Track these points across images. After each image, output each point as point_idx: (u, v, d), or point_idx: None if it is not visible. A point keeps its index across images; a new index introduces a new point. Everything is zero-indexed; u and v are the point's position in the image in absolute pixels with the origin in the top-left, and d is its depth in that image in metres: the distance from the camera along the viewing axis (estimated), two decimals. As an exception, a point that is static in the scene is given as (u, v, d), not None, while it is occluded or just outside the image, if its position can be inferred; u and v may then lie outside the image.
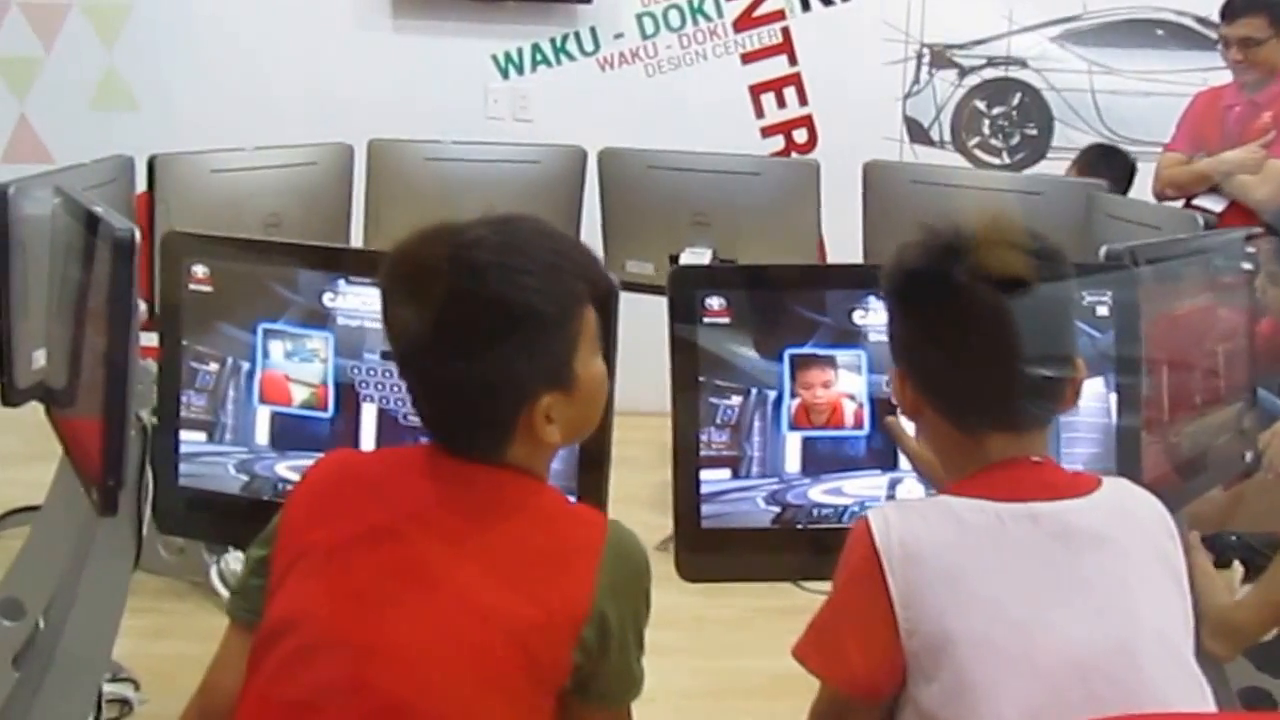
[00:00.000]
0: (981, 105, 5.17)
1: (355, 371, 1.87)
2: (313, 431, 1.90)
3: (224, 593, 3.16)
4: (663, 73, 5.05)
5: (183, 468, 1.93)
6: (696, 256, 3.68)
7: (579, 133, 3.97)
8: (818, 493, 1.88)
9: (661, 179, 3.75)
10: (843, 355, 1.87)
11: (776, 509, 1.88)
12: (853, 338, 1.87)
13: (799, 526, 1.88)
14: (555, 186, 3.80)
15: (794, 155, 5.06)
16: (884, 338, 1.83)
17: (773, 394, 1.87)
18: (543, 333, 1.39)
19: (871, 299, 1.86)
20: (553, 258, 1.42)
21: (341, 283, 1.87)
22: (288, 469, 1.90)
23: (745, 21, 5.05)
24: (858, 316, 1.87)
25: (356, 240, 3.63)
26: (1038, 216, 3.02)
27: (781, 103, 5.12)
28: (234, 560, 3.22)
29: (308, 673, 1.37)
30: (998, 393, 1.48)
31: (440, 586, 1.37)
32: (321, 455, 1.57)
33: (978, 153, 5.19)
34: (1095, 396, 1.88)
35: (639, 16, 5.01)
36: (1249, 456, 2.38)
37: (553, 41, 5.00)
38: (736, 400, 1.87)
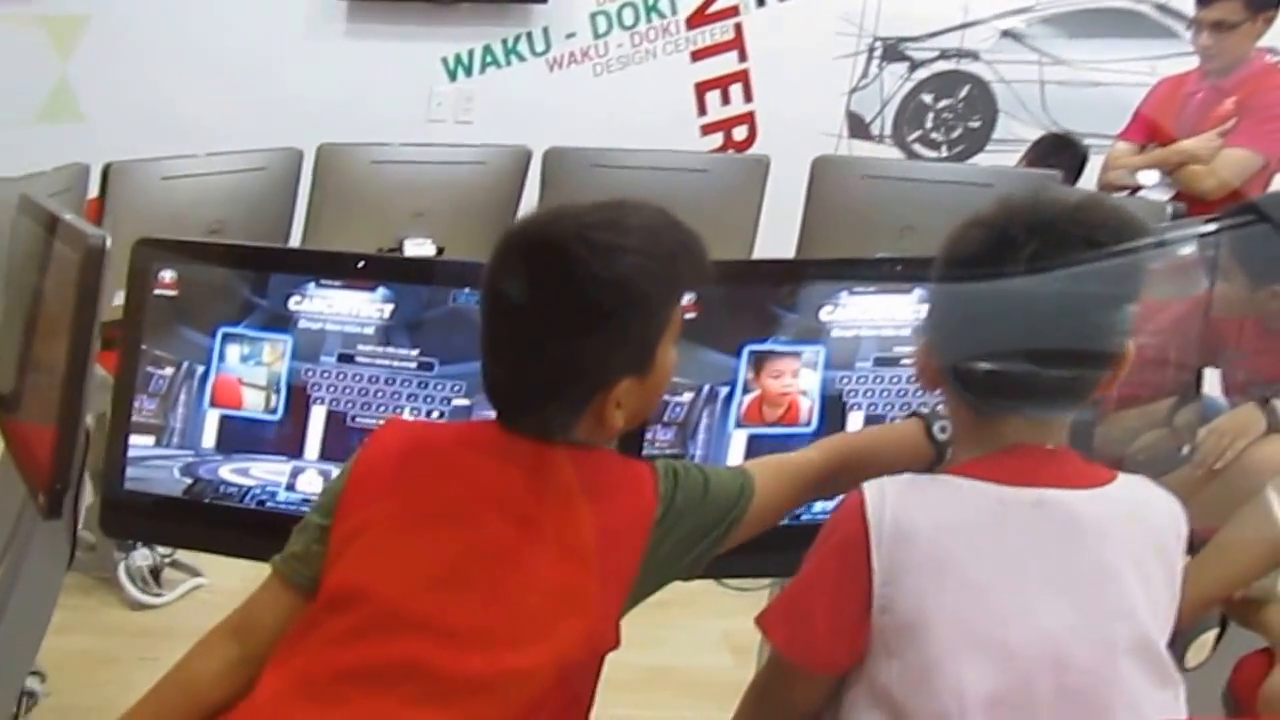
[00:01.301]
0: (928, 99, 5.20)
1: (309, 374, 1.87)
2: (259, 434, 1.91)
3: (130, 588, 3.17)
4: (611, 72, 5.06)
5: (129, 471, 1.94)
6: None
7: (522, 133, 3.94)
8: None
9: (605, 177, 3.75)
10: (804, 352, 1.88)
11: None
12: (814, 334, 1.88)
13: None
14: (499, 186, 3.81)
15: (731, 152, 5.07)
16: (845, 334, 1.88)
17: (724, 390, 1.89)
18: (641, 319, 1.39)
19: (843, 294, 1.87)
20: (666, 247, 1.41)
21: (311, 286, 1.88)
22: (231, 472, 1.91)
23: (698, 18, 5.07)
24: (824, 313, 1.87)
25: (295, 244, 3.61)
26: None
27: (726, 99, 5.13)
28: (140, 557, 3.23)
29: (374, 646, 1.37)
30: (1029, 381, 1.44)
31: (514, 570, 1.38)
32: (383, 424, 1.60)
33: (916, 146, 5.22)
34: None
35: (593, 15, 5.02)
36: (1185, 451, 2.39)
37: (504, 42, 5.00)
38: (686, 397, 1.88)
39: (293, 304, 1.87)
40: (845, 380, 1.88)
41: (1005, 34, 5.12)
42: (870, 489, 1.44)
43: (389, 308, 1.85)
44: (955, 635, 1.37)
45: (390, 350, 1.85)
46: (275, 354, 1.87)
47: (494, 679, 1.35)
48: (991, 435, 1.47)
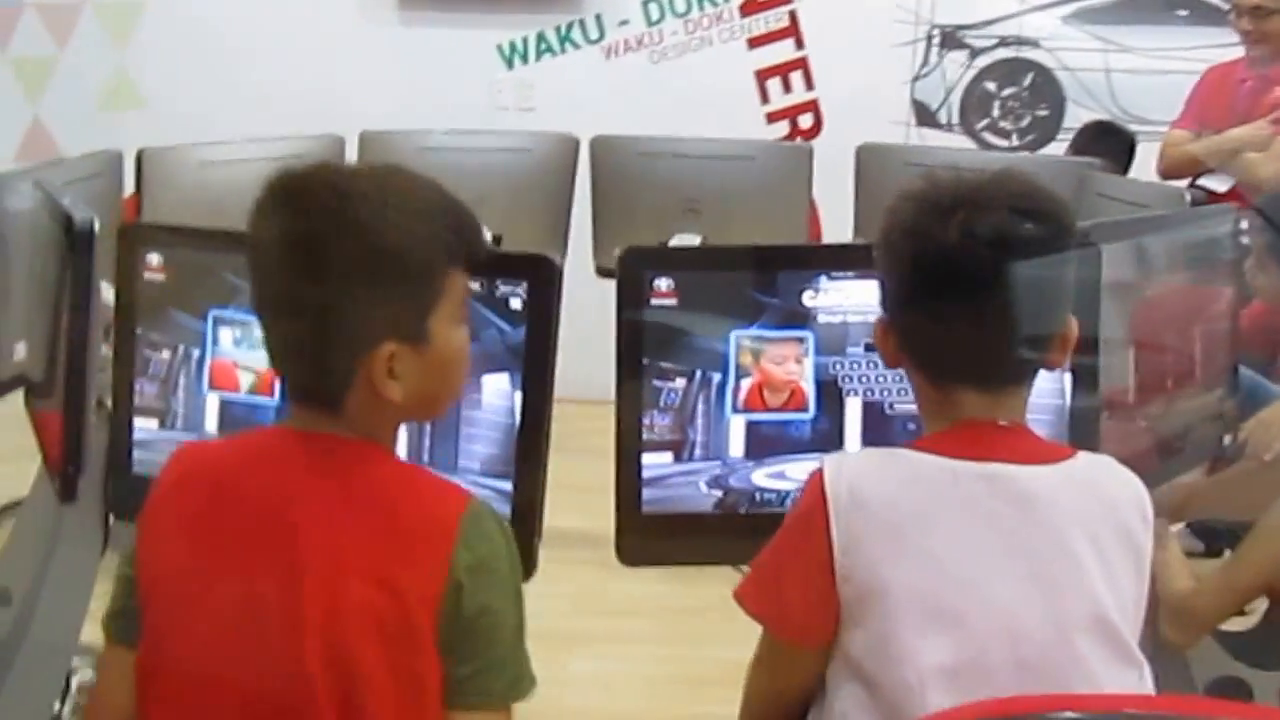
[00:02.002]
0: (992, 87, 5.10)
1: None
2: (260, 418, 1.89)
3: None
4: (668, 59, 5.03)
5: (136, 454, 1.94)
6: (685, 243, 3.65)
7: (583, 121, 3.96)
8: (761, 476, 1.86)
9: (653, 166, 3.73)
10: (791, 337, 1.85)
11: (719, 493, 1.86)
12: (801, 319, 1.85)
13: (741, 511, 1.86)
14: (548, 174, 3.81)
15: (799, 140, 5.02)
16: (832, 320, 1.85)
17: (717, 376, 1.86)
18: (401, 277, 1.32)
19: (823, 279, 1.84)
20: (427, 206, 1.36)
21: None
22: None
23: (752, 6, 5.02)
24: (808, 298, 1.85)
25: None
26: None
27: (788, 88, 5.08)
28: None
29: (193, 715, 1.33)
30: (974, 352, 1.45)
31: (302, 596, 1.29)
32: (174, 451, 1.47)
33: (986, 135, 5.13)
34: (1048, 377, 1.85)
35: (644, 3, 5.00)
36: (1226, 440, 2.33)
37: (557, 30, 4.99)
38: (681, 383, 1.85)
39: None
40: (839, 366, 1.85)
41: (1066, 20, 5.01)
42: (830, 461, 1.46)
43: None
44: (912, 605, 1.37)
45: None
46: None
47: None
48: (948, 410, 1.48)
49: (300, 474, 1.34)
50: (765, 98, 5.09)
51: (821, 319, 1.84)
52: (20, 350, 2.45)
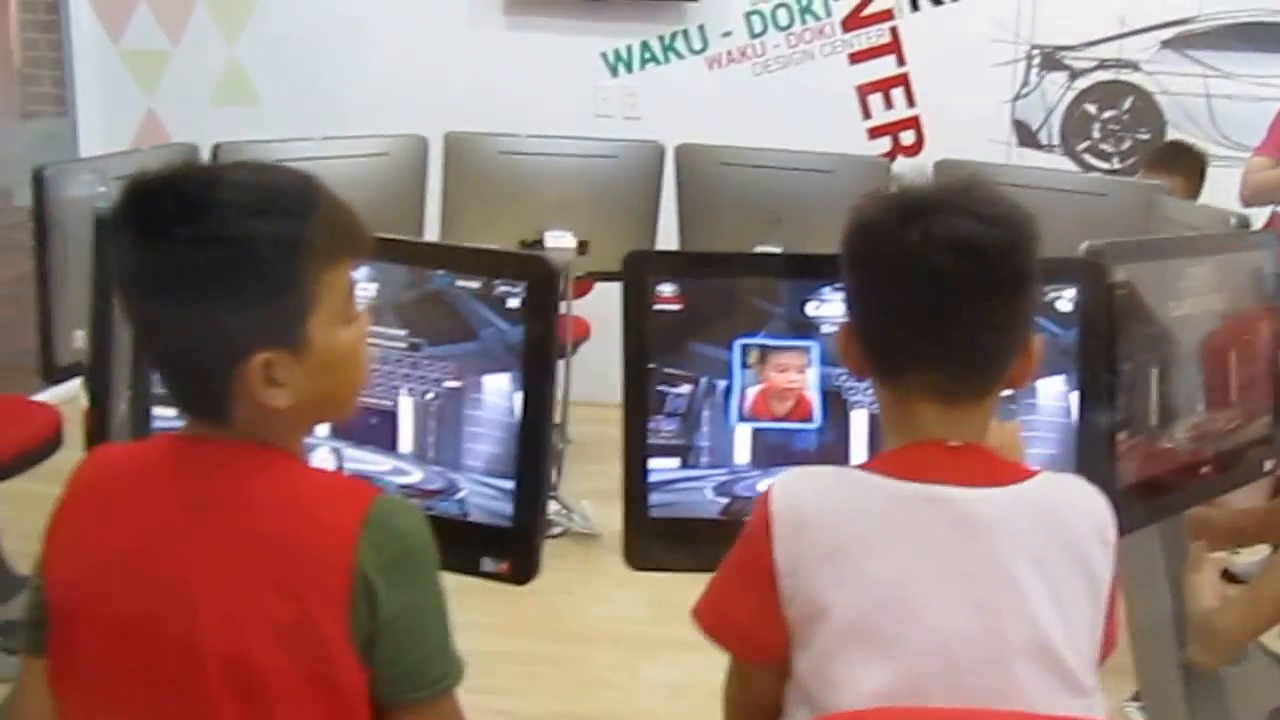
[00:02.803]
0: (1092, 109, 5.00)
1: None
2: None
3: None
4: (770, 72, 5.01)
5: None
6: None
7: (687, 131, 3.96)
8: (767, 485, 1.83)
9: (736, 175, 3.72)
10: (795, 346, 1.82)
11: (725, 500, 1.84)
12: (805, 329, 1.82)
13: (747, 518, 1.84)
14: (632, 181, 3.81)
15: (900, 157, 4.98)
16: (836, 330, 1.81)
17: (723, 383, 1.84)
18: (262, 281, 1.25)
19: (826, 290, 1.81)
20: (289, 207, 1.27)
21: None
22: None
23: (854, 21, 4.98)
24: (811, 308, 1.82)
25: (430, 234, 3.69)
26: (1101, 218, 2.94)
27: (889, 104, 5.03)
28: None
29: None
30: (932, 362, 1.41)
31: (198, 609, 1.26)
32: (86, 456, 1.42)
33: (1087, 157, 5.02)
34: (1055, 395, 1.80)
35: (747, 15, 4.99)
36: (1268, 466, 2.24)
37: (661, 40, 5.01)
38: (686, 389, 1.84)
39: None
40: (843, 377, 1.81)
41: (1165, 45, 4.89)
42: (778, 480, 1.44)
43: (373, 287, 1.84)
44: (851, 629, 1.35)
45: (380, 330, 1.84)
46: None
47: None
48: (906, 424, 1.44)
49: (192, 483, 1.31)
50: (867, 113, 5.04)
51: (825, 329, 1.81)
52: (79, 338, 2.53)
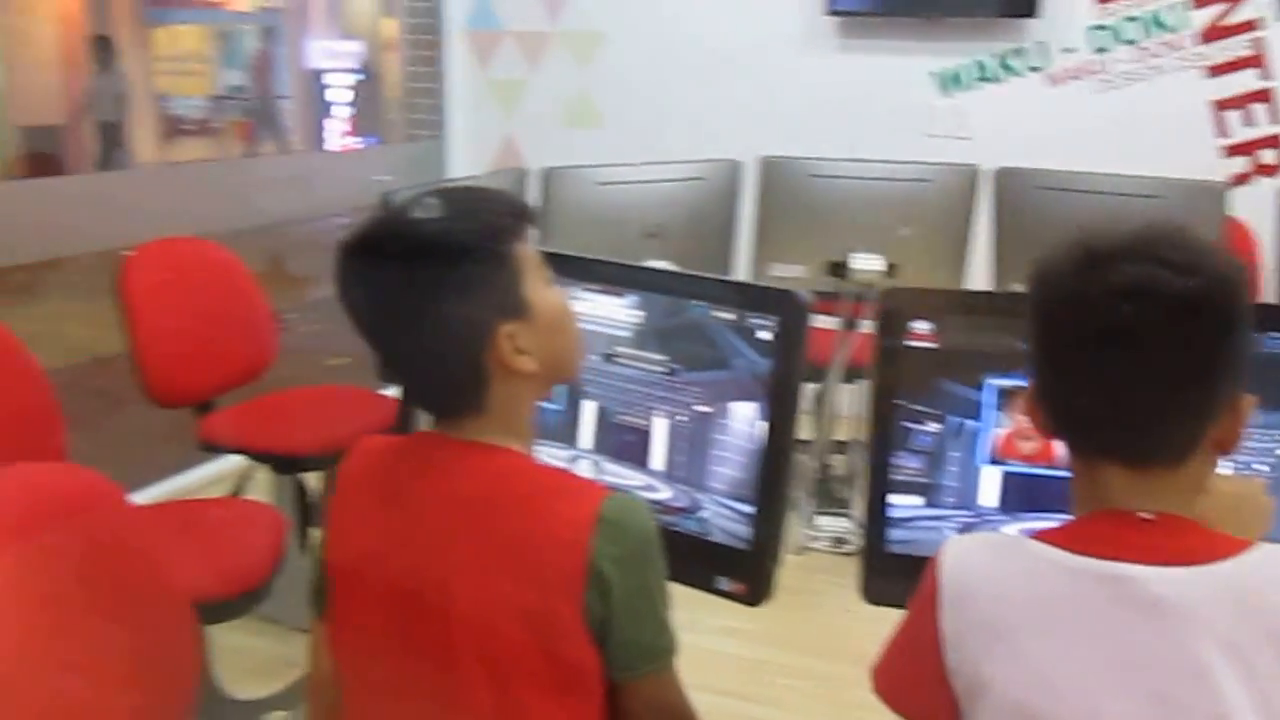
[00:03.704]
0: None
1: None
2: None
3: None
4: (1114, 89, 4.81)
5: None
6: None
7: (1019, 151, 3.90)
8: (1014, 531, 1.79)
9: (1055, 200, 3.63)
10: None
11: (968, 542, 1.84)
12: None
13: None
14: (945, 205, 3.78)
15: (1259, 178, 4.68)
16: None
17: (972, 424, 1.83)
18: (476, 265, 1.44)
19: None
20: (472, 204, 1.49)
21: (576, 290, 1.96)
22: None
23: (1212, 32, 4.70)
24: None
25: (742, 255, 3.78)
26: None
27: (1249, 120, 4.73)
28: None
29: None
30: (1113, 418, 1.31)
31: (454, 592, 1.44)
32: (356, 444, 1.62)
33: None
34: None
35: (1090, 30, 4.80)
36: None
37: (997, 57, 4.90)
38: (934, 427, 1.85)
39: None
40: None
41: None
42: (949, 544, 1.37)
43: (639, 314, 1.94)
44: (1013, 710, 1.26)
45: (643, 354, 1.94)
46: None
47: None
48: (1092, 491, 1.35)
49: (448, 481, 1.49)
50: (1223, 131, 4.76)
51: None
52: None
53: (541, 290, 1.50)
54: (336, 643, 1.57)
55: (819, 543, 3.98)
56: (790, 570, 3.64)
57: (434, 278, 1.43)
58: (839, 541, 3.95)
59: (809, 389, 4.30)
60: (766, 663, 3.28)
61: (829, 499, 4.14)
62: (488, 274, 1.45)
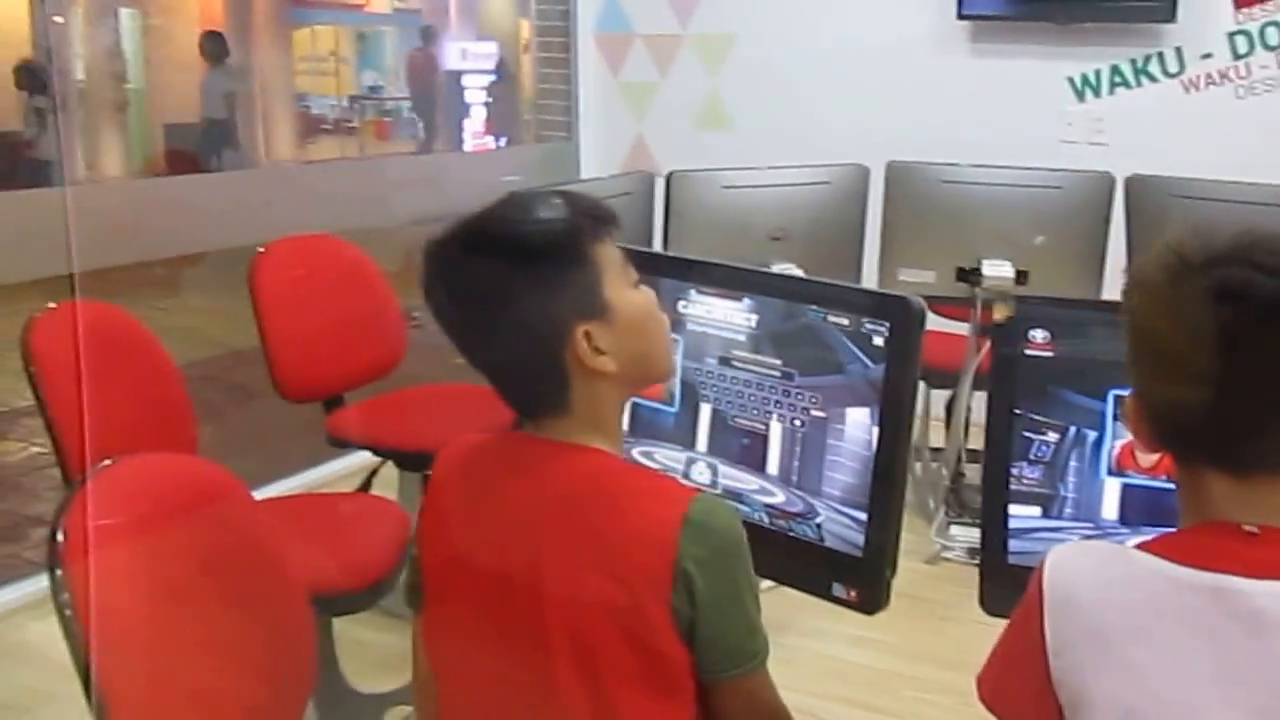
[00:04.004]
0: None
1: (697, 373, 1.99)
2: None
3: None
4: (1255, 95, 4.68)
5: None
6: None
7: (1155, 158, 3.81)
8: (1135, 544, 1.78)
9: (1188, 209, 3.55)
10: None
11: (1089, 556, 1.81)
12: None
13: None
14: (1078, 213, 3.72)
15: None
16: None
17: (1093, 435, 1.81)
18: (554, 264, 1.46)
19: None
20: (554, 205, 1.50)
21: (692, 292, 1.99)
22: (639, 454, 2.05)
23: (1362, 37, 4.56)
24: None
25: (870, 260, 3.76)
26: None
27: (1402, 128, 4.57)
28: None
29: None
30: (1214, 427, 1.29)
31: (545, 590, 1.46)
32: (447, 446, 1.64)
33: None
34: None
35: (1231, 35, 4.68)
36: None
37: (1133, 63, 4.80)
38: (1053, 437, 1.82)
39: (680, 308, 2.02)
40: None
41: None
42: (1054, 553, 1.35)
43: (755, 318, 1.95)
44: None
45: (758, 358, 1.95)
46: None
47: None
48: (1197, 502, 1.33)
49: (539, 482, 1.51)
50: (1374, 139, 4.61)
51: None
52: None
53: (623, 291, 1.51)
54: (431, 639, 1.61)
55: (952, 553, 3.94)
56: (923, 580, 3.67)
57: (512, 276, 1.45)
58: (973, 552, 3.91)
59: (941, 396, 4.27)
60: (897, 674, 3.27)
61: (962, 508, 4.09)
62: (566, 273, 1.47)
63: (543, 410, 1.53)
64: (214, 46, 12.98)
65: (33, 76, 9.27)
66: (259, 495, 3.45)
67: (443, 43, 16.70)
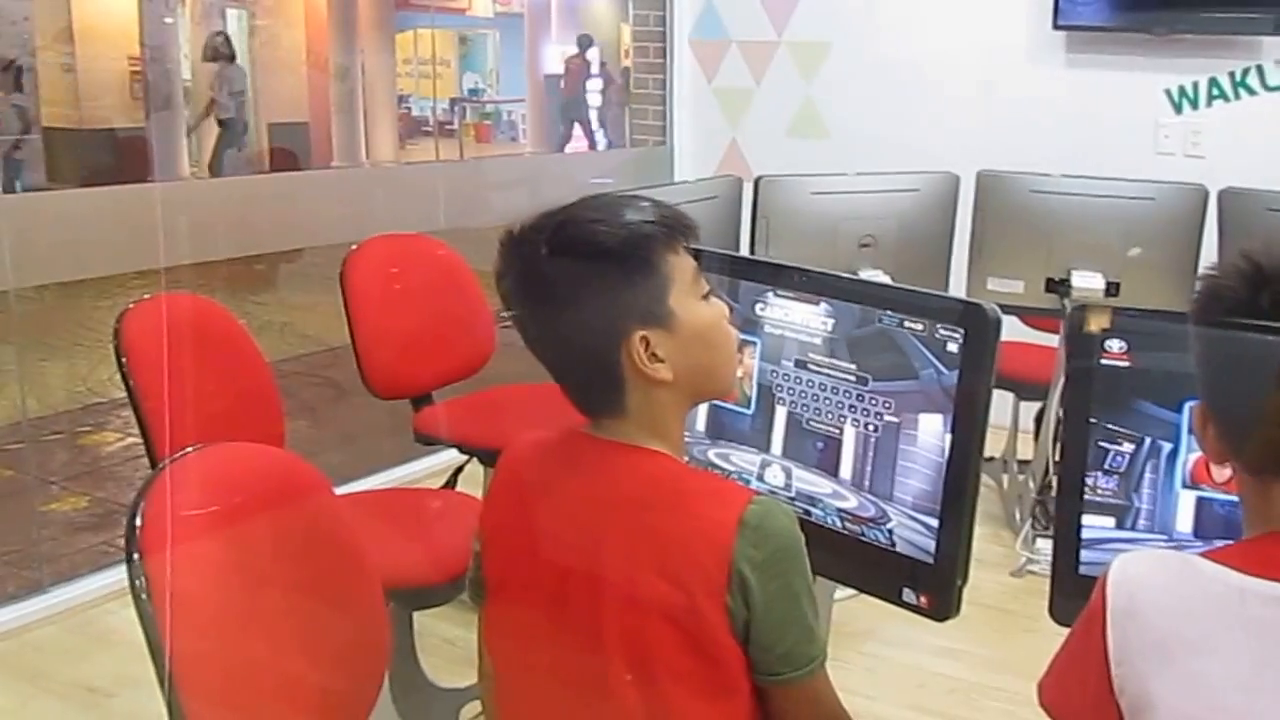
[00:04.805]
0: None
1: (774, 375, 2.03)
2: (736, 425, 2.04)
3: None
4: (1363, 109, 4.59)
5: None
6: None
7: (1254, 171, 3.77)
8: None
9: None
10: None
11: (1163, 569, 1.80)
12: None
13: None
14: (1171, 224, 3.68)
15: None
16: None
17: (1168, 446, 1.80)
18: (618, 268, 1.47)
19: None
20: (630, 209, 1.51)
21: (770, 295, 2.02)
22: (715, 456, 2.09)
23: None
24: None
25: (959, 269, 3.75)
26: None
27: None
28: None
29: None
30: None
31: (602, 590, 1.48)
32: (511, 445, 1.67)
33: None
34: None
35: (1335, 48, 4.60)
36: None
37: (1231, 75, 4.73)
38: (1128, 448, 1.82)
39: (758, 310, 2.05)
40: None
41: None
42: (1119, 560, 1.35)
43: (831, 322, 1.97)
44: None
45: (834, 362, 1.96)
46: (748, 354, 2.05)
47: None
48: (1264, 513, 1.32)
49: (597, 481, 1.53)
50: None
51: None
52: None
53: (689, 302, 1.52)
54: (491, 634, 1.65)
55: (1038, 565, 3.90)
56: (1008, 593, 3.64)
57: (577, 274, 1.47)
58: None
59: (1031, 408, 4.24)
60: (979, 685, 3.26)
61: (1049, 520, 4.04)
62: (631, 277, 1.48)
63: (600, 410, 1.55)
64: (220, 45, 12.54)
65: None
66: (348, 490, 3.55)
67: (541, 46, 16.77)
